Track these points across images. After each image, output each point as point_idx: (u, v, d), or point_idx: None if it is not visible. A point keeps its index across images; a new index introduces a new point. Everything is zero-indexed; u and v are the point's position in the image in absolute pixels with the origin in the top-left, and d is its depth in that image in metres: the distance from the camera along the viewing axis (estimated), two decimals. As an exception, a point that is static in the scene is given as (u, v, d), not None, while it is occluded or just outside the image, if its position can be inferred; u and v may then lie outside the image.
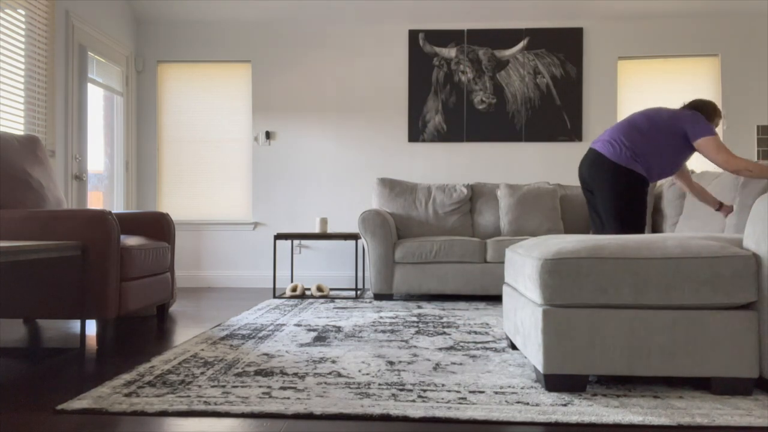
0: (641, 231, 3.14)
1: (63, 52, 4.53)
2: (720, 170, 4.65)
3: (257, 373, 2.28)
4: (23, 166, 3.16)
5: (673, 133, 3.09)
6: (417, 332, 3.16)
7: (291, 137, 5.70)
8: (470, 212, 5.21)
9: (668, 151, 3.12)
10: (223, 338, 2.98)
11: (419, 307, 4.18)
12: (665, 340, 1.97)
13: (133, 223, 3.63)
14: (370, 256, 4.62)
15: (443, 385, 2.11)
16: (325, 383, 2.13)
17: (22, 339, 3.07)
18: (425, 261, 4.55)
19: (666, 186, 4.57)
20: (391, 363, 2.45)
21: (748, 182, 3.23)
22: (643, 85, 5.56)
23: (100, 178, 5.28)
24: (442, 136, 5.58)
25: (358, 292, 5.07)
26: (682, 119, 3.10)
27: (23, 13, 4.05)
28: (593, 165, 3.21)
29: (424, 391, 2.03)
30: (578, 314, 2.00)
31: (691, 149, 3.15)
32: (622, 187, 3.10)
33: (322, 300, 4.56)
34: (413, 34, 5.63)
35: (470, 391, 2.03)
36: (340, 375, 2.25)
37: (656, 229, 4.61)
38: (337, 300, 4.57)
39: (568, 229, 5.01)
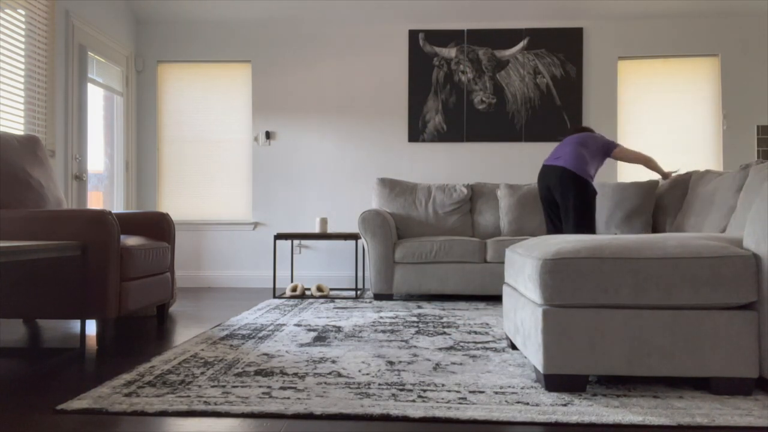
0: (594, 231, 4.01)
1: (63, 52, 4.53)
2: (720, 170, 4.66)
3: (257, 373, 2.28)
4: (23, 166, 3.16)
5: (599, 150, 4.10)
6: (417, 332, 3.16)
7: (291, 137, 5.70)
8: (470, 212, 5.21)
9: (598, 164, 4.11)
10: (223, 338, 2.98)
11: (419, 307, 4.18)
12: (665, 340, 1.97)
13: (133, 223, 3.63)
14: (370, 256, 4.62)
15: (443, 385, 2.11)
16: (325, 383, 2.13)
17: (22, 339, 3.07)
18: (425, 261, 4.55)
19: (666, 186, 4.58)
20: (391, 363, 2.45)
21: (750, 183, 3.23)
22: (643, 85, 5.56)
23: (100, 178, 5.28)
24: (442, 136, 5.58)
25: (358, 292, 5.07)
26: (599, 139, 4.12)
27: (23, 13, 4.05)
28: (562, 179, 3.94)
29: (424, 391, 2.03)
30: (578, 314, 2.00)
31: (605, 159, 4.18)
32: (585, 196, 3.91)
33: (322, 300, 4.56)
34: (413, 34, 5.63)
35: (470, 391, 2.03)
36: (340, 375, 2.25)
37: (656, 227, 4.61)
38: (337, 300, 4.57)
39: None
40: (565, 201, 3.95)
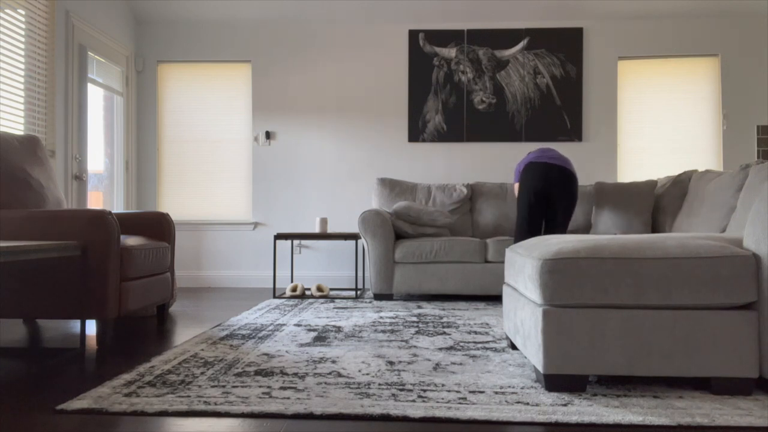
0: None
1: (63, 52, 4.53)
2: (720, 170, 4.66)
3: (257, 373, 2.28)
4: (23, 166, 3.16)
5: None
6: (417, 332, 3.16)
7: (291, 137, 5.70)
8: (470, 212, 5.21)
9: None
10: (223, 338, 2.98)
11: (419, 307, 4.18)
12: (665, 340, 1.97)
13: (133, 223, 3.63)
14: (370, 256, 4.62)
15: (443, 385, 2.11)
16: (325, 383, 2.13)
17: (22, 339, 3.07)
18: (425, 261, 4.55)
19: (667, 185, 4.57)
20: (391, 363, 2.45)
21: (750, 183, 3.23)
22: (643, 85, 5.56)
23: (100, 178, 5.28)
24: (442, 136, 5.58)
25: (358, 292, 5.07)
26: None
27: (23, 13, 4.05)
28: (567, 179, 4.06)
29: (424, 391, 2.03)
30: (578, 314, 2.00)
31: None
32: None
33: (322, 300, 4.56)
34: (413, 34, 5.63)
35: (470, 391, 2.02)
36: (340, 375, 2.25)
37: (656, 227, 4.61)
38: (337, 300, 4.57)
39: (568, 229, 5.01)
40: (568, 203, 4.10)
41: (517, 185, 4.44)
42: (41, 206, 3.17)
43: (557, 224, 4.14)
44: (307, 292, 5.09)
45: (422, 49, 5.62)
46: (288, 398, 1.95)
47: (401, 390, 2.04)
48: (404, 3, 5.47)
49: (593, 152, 5.53)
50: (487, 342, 2.90)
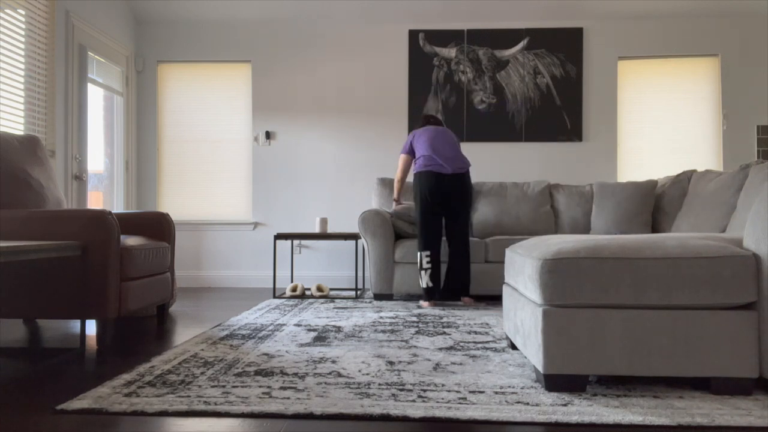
0: None
1: (63, 52, 4.53)
2: (720, 170, 4.66)
3: (257, 373, 2.28)
4: (23, 166, 3.16)
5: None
6: (417, 332, 3.16)
7: (291, 137, 5.70)
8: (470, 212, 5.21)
9: None
10: (223, 338, 2.98)
11: (419, 307, 4.18)
12: (665, 340, 1.97)
13: (133, 223, 3.63)
14: (370, 256, 4.62)
15: (443, 385, 2.11)
16: (325, 383, 2.13)
17: (22, 339, 3.07)
18: (425, 261, 4.54)
19: (667, 185, 4.58)
20: (391, 363, 2.45)
21: (750, 183, 3.23)
22: (643, 85, 5.56)
23: (100, 178, 5.28)
24: (442, 136, 5.57)
25: (358, 292, 5.06)
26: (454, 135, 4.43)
27: (23, 13, 4.05)
28: (460, 186, 4.12)
29: (424, 391, 2.03)
30: (578, 314, 2.00)
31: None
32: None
33: (322, 300, 4.56)
34: (413, 34, 5.63)
35: (470, 391, 2.02)
36: (340, 375, 2.25)
37: (656, 227, 4.61)
38: (337, 300, 4.57)
39: (568, 229, 5.00)
40: (465, 205, 4.19)
41: (403, 157, 4.42)
42: (41, 206, 3.17)
43: (458, 226, 4.20)
44: (307, 292, 5.09)
45: (422, 49, 5.62)
46: (288, 398, 1.95)
47: (401, 390, 2.04)
48: (404, 3, 5.47)
49: (593, 152, 5.53)
50: (487, 342, 2.90)
